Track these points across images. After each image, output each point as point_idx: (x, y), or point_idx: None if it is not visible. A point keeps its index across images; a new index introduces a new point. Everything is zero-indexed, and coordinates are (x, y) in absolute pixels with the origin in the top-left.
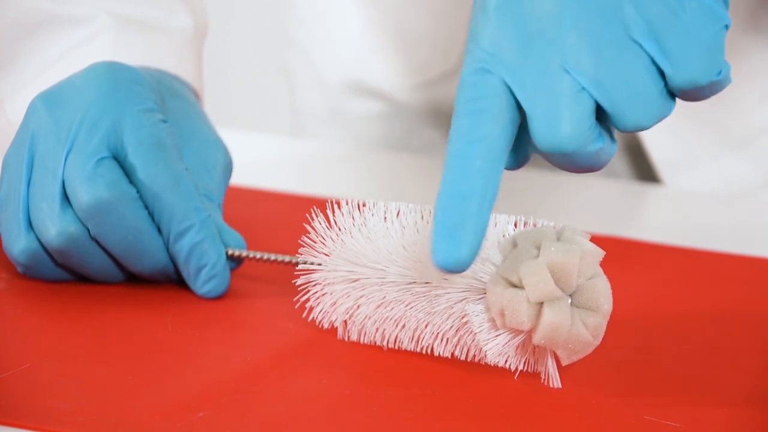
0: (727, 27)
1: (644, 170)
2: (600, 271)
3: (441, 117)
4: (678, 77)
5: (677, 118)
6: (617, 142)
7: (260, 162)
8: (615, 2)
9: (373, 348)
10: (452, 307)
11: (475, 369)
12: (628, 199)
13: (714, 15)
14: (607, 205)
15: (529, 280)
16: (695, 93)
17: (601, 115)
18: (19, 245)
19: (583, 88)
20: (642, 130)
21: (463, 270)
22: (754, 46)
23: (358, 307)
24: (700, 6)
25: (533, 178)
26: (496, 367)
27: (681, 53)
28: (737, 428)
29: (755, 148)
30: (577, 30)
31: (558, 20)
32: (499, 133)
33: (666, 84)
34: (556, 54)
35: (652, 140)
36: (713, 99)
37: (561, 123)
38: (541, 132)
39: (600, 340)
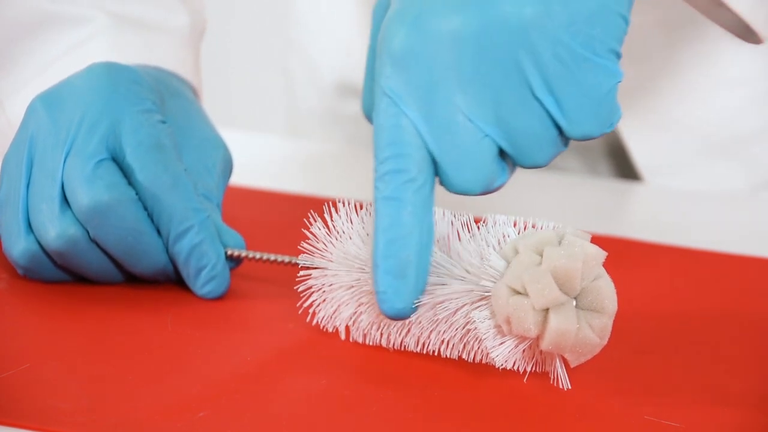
0: (619, 82)
1: (628, 174)
2: (603, 271)
3: None
4: (572, 132)
5: (661, 124)
6: (600, 145)
7: (259, 162)
8: (513, 55)
9: (374, 348)
10: (455, 314)
11: (475, 369)
12: (618, 197)
13: (607, 72)
14: (597, 203)
15: (534, 287)
16: (588, 140)
17: (501, 152)
18: (18, 247)
19: (486, 135)
20: (539, 167)
21: (409, 316)
22: (738, 51)
23: (360, 313)
24: (594, 65)
25: (520, 176)
26: (500, 368)
27: (575, 111)
28: (737, 428)
29: (742, 154)
30: (477, 81)
31: (459, 71)
32: (425, 178)
33: (561, 132)
34: (459, 104)
35: (636, 147)
36: (699, 106)
37: (466, 170)
38: (449, 178)
39: (606, 340)
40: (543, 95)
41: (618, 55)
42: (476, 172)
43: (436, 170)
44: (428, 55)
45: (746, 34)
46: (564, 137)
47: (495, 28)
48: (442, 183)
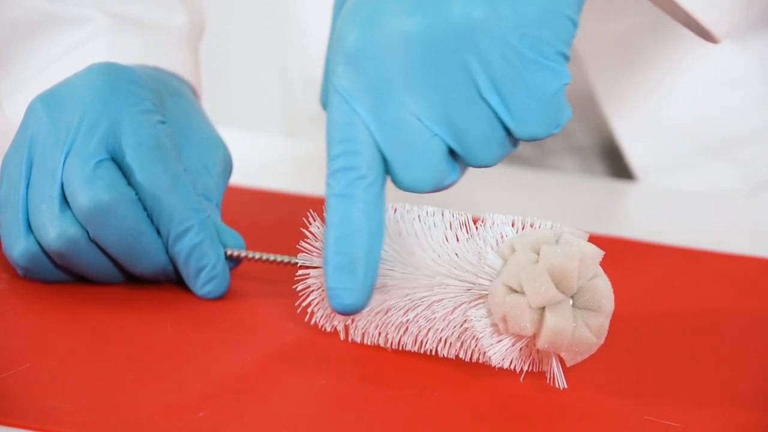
0: (566, 84)
1: (623, 175)
2: (600, 270)
3: None
4: (519, 132)
5: (656, 124)
6: (595, 146)
7: (259, 162)
8: (461, 56)
9: (374, 348)
10: (453, 312)
11: (475, 369)
12: (614, 197)
13: (554, 74)
14: (594, 203)
15: (530, 285)
16: (536, 140)
17: (452, 152)
18: (18, 247)
19: (436, 134)
20: (488, 166)
21: (359, 312)
22: (734, 52)
23: None
24: (540, 67)
25: (518, 176)
26: (497, 368)
27: (522, 112)
28: (737, 428)
29: (738, 154)
30: (426, 81)
31: (408, 72)
32: (375, 175)
33: (509, 133)
34: (409, 103)
35: (631, 147)
36: (694, 106)
37: (416, 169)
38: (399, 176)
39: (603, 339)
40: (490, 96)
41: (566, 57)
42: (425, 170)
43: (387, 168)
44: (379, 55)
45: (704, 32)
46: (512, 138)
47: (444, 29)
48: (392, 181)
